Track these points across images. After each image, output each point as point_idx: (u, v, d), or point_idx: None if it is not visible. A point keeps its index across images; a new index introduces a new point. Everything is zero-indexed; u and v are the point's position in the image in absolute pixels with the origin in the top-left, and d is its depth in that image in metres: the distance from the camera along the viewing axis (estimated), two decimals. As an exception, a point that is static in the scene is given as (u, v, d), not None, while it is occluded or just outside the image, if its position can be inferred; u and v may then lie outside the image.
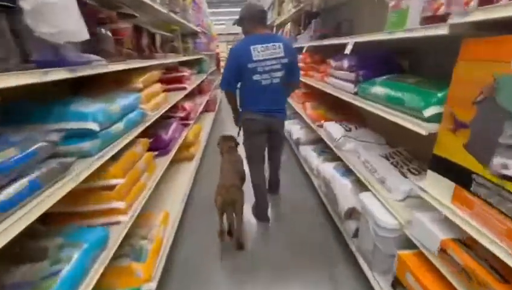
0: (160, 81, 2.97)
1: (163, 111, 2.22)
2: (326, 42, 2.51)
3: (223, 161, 2.33)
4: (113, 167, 1.46)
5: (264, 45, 1.96)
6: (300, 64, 3.38)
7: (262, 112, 2.09)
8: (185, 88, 3.20)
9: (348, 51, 1.82)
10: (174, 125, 2.65)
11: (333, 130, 2.34)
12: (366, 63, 1.91)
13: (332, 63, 2.30)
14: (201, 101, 4.69)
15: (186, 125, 3.19)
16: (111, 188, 1.43)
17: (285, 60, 2.01)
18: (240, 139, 2.37)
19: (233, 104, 2.25)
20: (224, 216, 2.01)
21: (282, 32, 4.89)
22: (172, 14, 2.75)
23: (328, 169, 2.29)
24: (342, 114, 2.86)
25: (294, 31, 3.86)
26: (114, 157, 1.42)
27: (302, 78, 3.27)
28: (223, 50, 10.62)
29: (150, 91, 2.02)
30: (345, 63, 2.02)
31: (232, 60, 2.03)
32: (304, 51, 3.01)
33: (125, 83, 1.82)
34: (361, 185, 1.81)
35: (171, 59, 2.90)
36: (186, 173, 2.89)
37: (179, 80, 3.19)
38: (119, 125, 1.43)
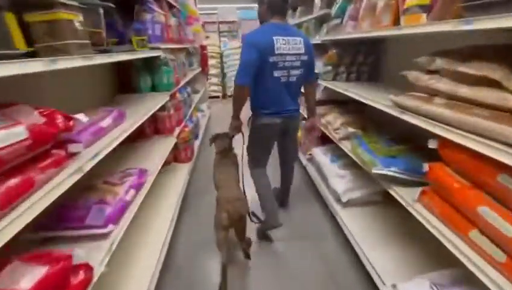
0: None
1: None
2: None
3: (218, 166, 1.91)
4: None
5: (285, 38, 1.73)
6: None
7: (280, 115, 1.86)
8: None
9: None
10: None
11: None
12: None
13: None
14: (154, 159, 1.90)
15: None
16: None
17: (304, 58, 1.82)
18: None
19: (241, 106, 1.86)
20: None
21: None
22: None
23: None
24: None
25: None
26: None
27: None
28: (214, 43, 7.64)
29: None
30: None
31: (250, 51, 1.67)
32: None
33: None
34: None
35: None
36: None
37: None
38: None
